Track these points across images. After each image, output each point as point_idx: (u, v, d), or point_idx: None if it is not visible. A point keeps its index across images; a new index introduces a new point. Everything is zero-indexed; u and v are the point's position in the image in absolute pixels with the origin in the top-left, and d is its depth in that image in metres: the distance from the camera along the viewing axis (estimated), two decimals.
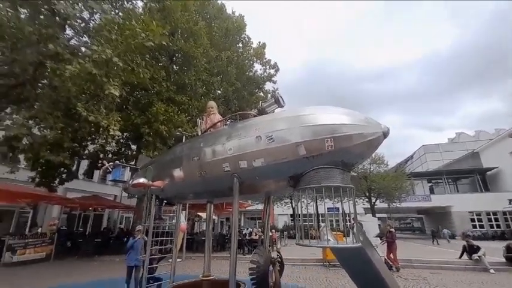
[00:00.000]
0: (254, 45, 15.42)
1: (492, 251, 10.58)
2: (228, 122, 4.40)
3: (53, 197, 12.47)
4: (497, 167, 28.74)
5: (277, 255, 3.50)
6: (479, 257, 9.42)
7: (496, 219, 26.60)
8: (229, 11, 14.60)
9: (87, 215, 19.30)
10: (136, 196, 11.54)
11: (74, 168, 14.92)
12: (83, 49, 7.26)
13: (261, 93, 15.55)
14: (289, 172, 2.98)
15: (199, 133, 4.28)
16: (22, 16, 6.24)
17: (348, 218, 2.99)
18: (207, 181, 3.41)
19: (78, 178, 13.74)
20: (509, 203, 25.60)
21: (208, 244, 4.22)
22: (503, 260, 9.49)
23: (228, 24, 13.59)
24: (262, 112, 3.66)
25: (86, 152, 12.80)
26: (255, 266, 3.08)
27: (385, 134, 2.79)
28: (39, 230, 12.30)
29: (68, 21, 6.73)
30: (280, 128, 2.97)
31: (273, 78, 15.52)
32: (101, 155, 13.46)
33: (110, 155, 13.70)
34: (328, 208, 3.37)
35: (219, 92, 13.54)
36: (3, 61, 6.83)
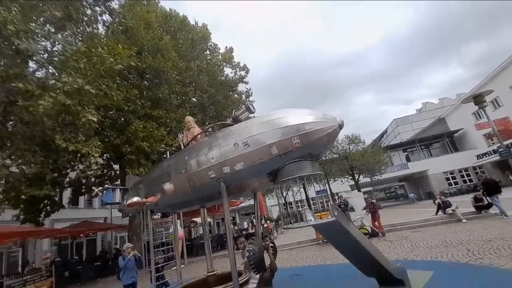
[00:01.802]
0: (221, 51, 15.70)
1: (465, 203, 11.80)
2: (207, 132, 4.81)
3: (42, 230, 12.17)
4: (462, 129, 31.28)
5: (269, 240, 4.01)
6: (452, 210, 10.54)
7: (468, 175, 29.07)
8: (192, 22, 14.77)
9: (79, 242, 18.84)
10: (129, 214, 11.63)
11: (57, 198, 14.60)
12: (52, 81, 7.24)
13: (236, 95, 15.89)
14: (267, 170, 3.46)
15: (182, 147, 4.64)
16: None
17: (334, 197, 3.46)
18: (196, 189, 3.81)
19: (64, 207, 13.46)
20: (477, 159, 28.14)
21: (208, 244, 4.65)
22: (473, 209, 10.59)
23: (193, 35, 13.74)
24: (236, 120, 4.10)
25: (67, 179, 12.59)
26: (251, 253, 3.56)
27: (341, 126, 3.36)
28: (33, 266, 12.03)
29: (34, 58, 6.71)
30: (254, 133, 3.43)
31: (244, 80, 15.91)
32: (83, 181, 13.29)
33: (93, 179, 13.56)
34: (317, 191, 3.86)
35: (194, 100, 13.75)
36: None
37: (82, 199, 19.52)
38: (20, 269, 13.38)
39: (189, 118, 4.67)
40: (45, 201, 11.19)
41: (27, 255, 14.59)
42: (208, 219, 18.58)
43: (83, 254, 18.24)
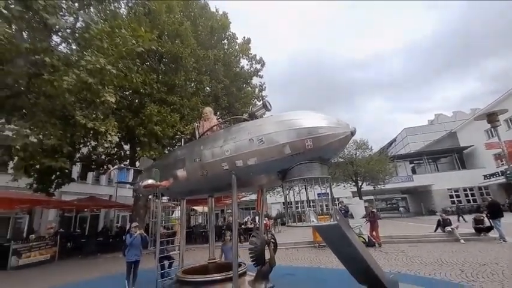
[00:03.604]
0: (239, 41, 15.71)
1: (466, 224, 11.70)
2: (223, 125, 4.97)
3: (51, 201, 12.71)
4: (472, 146, 30.58)
5: (271, 236, 4.18)
6: (452, 229, 10.50)
7: (473, 194, 28.47)
8: (212, 9, 14.78)
9: (83, 216, 19.54)
10: (140, 195, 11.96)
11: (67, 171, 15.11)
12: (75, 58, 7.47)
13: (249, 88, 15.94)
14: (278, 168, 3.61)
15: (197, 136, 4.81)
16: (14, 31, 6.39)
17: (335, 202, 3.61)
18: (208, 179, 3.99)
19: (74, 181, 13.94)
20: (484, 179, 27.59)
21: (212, 234, 4.86)
22: (473, 231, 10.54)
23: (212, 23, 13.77)
24: (252, 116, 4.23)
25: (78, 155, 13.00)
26: (253, 246, 3.73)
27: (353, 133, 3.46)
28: (39, 234, 12.61)
29: (59, 33, 6.92)
30: (269, 131, 3.56)
31: (259, 73, 15.96)
32: (94, 157, 13.70)
33: (103, 156, 13.95)
34: (318, 194, 4.00)
35: (208, 89, 13.91)
36: None
37: (90, 175, 20.12)
38: (24, 235, 13.96)
39: (208, 109, 4.82)
40: (58, 173, 11.60)
41: (33, 223, 15.21)
42: (205, 209, 18.99)
43: (86, 228, 18.89)
